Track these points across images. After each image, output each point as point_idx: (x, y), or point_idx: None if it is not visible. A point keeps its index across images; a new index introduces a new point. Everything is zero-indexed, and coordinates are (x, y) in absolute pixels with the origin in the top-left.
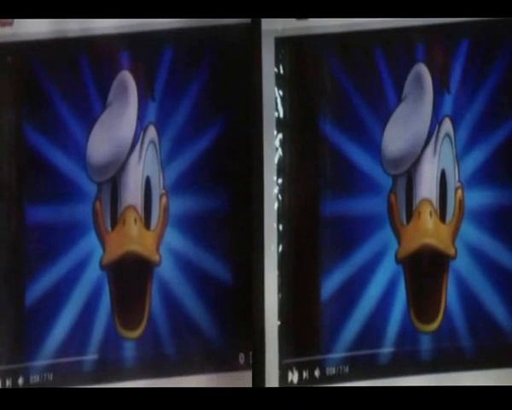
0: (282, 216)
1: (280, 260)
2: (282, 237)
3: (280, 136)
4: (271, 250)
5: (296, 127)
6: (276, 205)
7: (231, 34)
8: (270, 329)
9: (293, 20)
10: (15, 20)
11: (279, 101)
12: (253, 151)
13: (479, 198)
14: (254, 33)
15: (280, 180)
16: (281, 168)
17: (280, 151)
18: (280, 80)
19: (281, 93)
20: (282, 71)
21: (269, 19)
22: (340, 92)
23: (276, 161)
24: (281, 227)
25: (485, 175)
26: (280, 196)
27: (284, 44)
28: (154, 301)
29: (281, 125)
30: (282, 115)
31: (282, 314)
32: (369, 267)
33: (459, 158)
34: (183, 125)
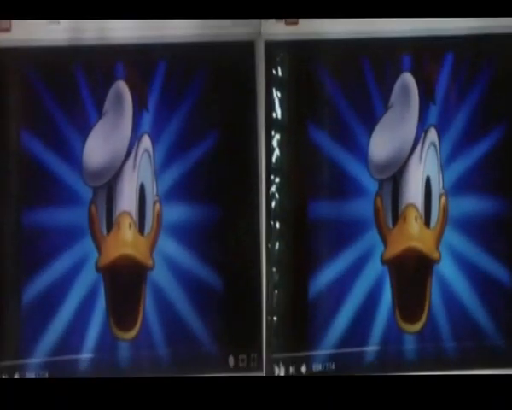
0: (276, 215)
1: (269, 257)
2: (273, 236)
3: (274, 135)
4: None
5: (288, 129)
6: (272, 204)
7: (226, 49)
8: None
9: (284, 26)
10: (13, 25)
11: (277, 102)
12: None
13: (462, 206)
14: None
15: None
16: (275, 167)
17: (277, 151)
18: (273, 83)
19: (278, 94)
20: (274, 73)
21: (266, 19)
22: (328, 99)
23: (272, 160)
24: (273, 225)
25: (468, 184)
26: (275, 195)
27: (276, 49)
28: (147, 303)
29: (274, 125)
30: (275, 116)
31: (271, 310)
32: (356, 268)
33: (443, 166)
34: (177, 135)
